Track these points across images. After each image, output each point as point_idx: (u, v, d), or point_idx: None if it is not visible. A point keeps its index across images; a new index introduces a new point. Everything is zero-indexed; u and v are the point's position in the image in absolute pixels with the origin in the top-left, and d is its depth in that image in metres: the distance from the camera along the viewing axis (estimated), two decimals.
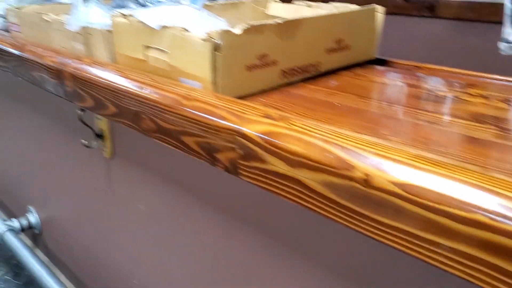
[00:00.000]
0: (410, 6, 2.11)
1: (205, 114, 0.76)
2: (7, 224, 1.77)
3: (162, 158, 1.08)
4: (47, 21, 1.32)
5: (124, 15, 1.02)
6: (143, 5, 1.30)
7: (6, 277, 1.90)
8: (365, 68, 1.07)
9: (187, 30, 0.87)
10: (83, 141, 1.18)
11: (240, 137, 0.70)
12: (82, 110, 1.15)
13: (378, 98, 0.90)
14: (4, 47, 1.39)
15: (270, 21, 0.88)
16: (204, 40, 0.83)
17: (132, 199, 1.22)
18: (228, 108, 0.75)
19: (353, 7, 1.10)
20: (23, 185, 1.89)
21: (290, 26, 0.91)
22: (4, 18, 1.68)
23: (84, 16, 1.15)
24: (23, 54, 1.29)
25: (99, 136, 1.21)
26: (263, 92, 0.92)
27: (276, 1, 1.31)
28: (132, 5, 1.31)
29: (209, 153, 0.77)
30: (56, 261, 1.81)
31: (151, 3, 1.30)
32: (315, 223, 0.78)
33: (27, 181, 1.85)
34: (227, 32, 0.83)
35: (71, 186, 1.52)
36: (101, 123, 1.21)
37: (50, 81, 1.17)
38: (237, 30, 0.84)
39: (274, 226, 0.86)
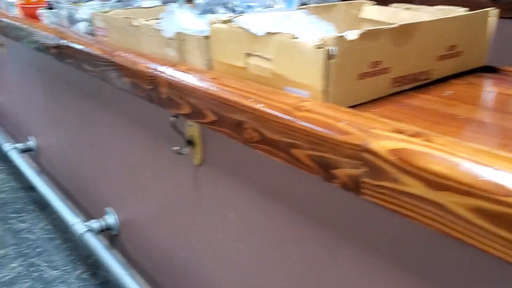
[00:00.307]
0: (498, 7, 1.98)
1: (322, 127, 0.72)
2: (86, 225, 1.81)
3: (255, 166, 1.05)
4: (136, 26, 1.32)
5: (224, 21, 1.00)
6: (233, 10, 1.27)
7: (83, 276, 1.94)
8: (476, 76, 0.99)
9: (295, 37, 0.82)
10: (174, 148, 1.16)
11: (366, 153, 0.65)
12: (175, 116, 1.13)
13: (502, 110, 0.82)
14: (93, 52, 1.41)
15: (386, 26, 0.82)
16: (316, 47, 0.78)
17: (221, 207, 1.19)
18: (349, 120, 0.70)
19: (462, 10, 1.02)
20: (103, 187, 1.93)
21: (405, 31, 0.85)
22: (89, 22, 1.71)
23: (178, 21, 1.13)
24: (113, 59, 1.30)
25: (189, 142, 1.19)
26: (373, 101, 0.87)
27: (370, 4, 1.25)
28: (221, 10, 1.29)
29: (324, 168, 0.73)
30: (133, 263, 1.83)
31: (241, 7, 1.27)
32: (439, 246, 0.72)
33: (107, 183, 1.88)
34: (341, 38, 0.78)
35: (154, 191, 1.53)
36: (192, 130, 1.19)
37: (143, 88, 1.17)
38: (352, 36, 0.79)
39: (384, 245, 0.80)
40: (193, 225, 1.34)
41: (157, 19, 1.25)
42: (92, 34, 1.62)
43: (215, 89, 0.94)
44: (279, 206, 1.01)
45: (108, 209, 1.89)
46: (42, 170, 2.71)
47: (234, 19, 0.96)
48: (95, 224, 1.85)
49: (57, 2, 1.88)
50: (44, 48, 1.77)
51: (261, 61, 0.91)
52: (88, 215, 2.15)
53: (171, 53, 1.16)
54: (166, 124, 1.33)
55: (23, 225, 2.32)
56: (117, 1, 1.84)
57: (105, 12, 1.56)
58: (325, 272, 0.94)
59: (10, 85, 2.83)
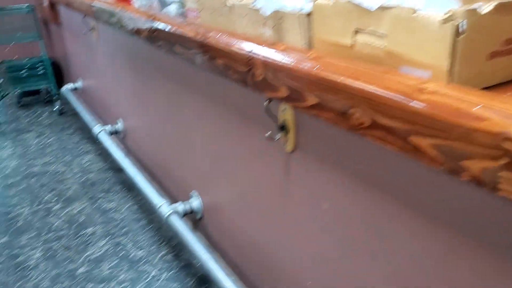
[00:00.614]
0: None
1: (451, 112, 0.63)
2: (171, 208, 1.82)
3: (356, 155, 0.97)
4: (230, 6, 1.28)
5: None
6: None
7: (167, 257, 1.97)
8: None
9: (416, 10, 0.73)
10: (267, 134, 1.11)
11: (508, 142, 0.56)
12: (269, 100, 1.08)
13: None
14: (185, 34, 1.39)
15: None
16: (443, 21, 0.69)
17: (314, 197, 1.13)
18: (486, 105, 0.61)
19: None
20: (188, 170, 1.93)
21: None
22: (180, 4, 1.70)
23: None
24: (206, 41, 1.27)
25: (282, 128, 1.14)
26: (505, 84, 0.76)
27: None
28: None
29: (452, 160, 0.64)
30: (216, 247, 1.82)
31: None
32: None
33: (192, 166, 1.88)
34: (472, 12, 0.68)
35: (241, 176, 1.49)
36: (286, 115, 1.13)
37: (236, 70, 1.12)
38: (487, 9, 0.68)
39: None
40: (281, 213, 1.29)
41: None
42: (183, 16, 1.60)
43: (318, 69, 0.86)
44: (382, 199, 0.93)
45: (193, 192, 1.89)
46: (129, 152, 2.79)
47: None
48: (180, 207, 1.86)
49: None
50: (135, 32, 1.79)
51: (372, 38, 0.83)
52: (172, 197, 2.18)
53: (267, 32, 1.11)
54: (257, 108, 1.28)
55: (111, 205, 2.40)
56: None
57: None
58: (436, 275, 0.85)
59: (100, 68, 2.93)
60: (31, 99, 4.25)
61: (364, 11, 0.82)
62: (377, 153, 0.90)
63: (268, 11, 1.05)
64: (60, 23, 3.84)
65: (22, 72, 4.04)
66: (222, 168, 1.61)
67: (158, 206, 1.85)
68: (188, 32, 1.37)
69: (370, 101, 0.75)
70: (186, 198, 1.98)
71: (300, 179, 1.17)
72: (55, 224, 2.26)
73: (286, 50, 0.99)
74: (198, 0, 1.45)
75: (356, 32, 0.86)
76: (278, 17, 1.06)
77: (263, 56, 1.02)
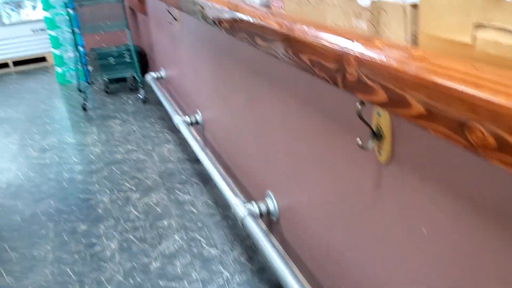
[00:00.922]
0: None
1: None
2: (247, 208, 1.73)
3: (467, 174, 0.81)
4: None
5: None
6: None
7: (240, 259, 1.89)
8: None
9: None
10: (358, 140, 0.97)
11: None
12: (362, 103, 0.94)
13: None
14: (268, 25, 1.28)
15: None
16: None
17: (410, 216, 0.97)
18: None
19: None
20: (265, 168, 1.83)
21: None
22: None
23: None
24: (290, 33, 1.14)
25: (376, 135, 0.99)
26: None
27: None
28: None
29: None
30: (291, 252, 1.71)
31: None
32: None
33: (269, 165, 1.78)
34: None
35: (323, 182, 1.36)
36: (382, 121, 0.98)
37: (325, 67, 0.99)
38: None
39: None
40: (369, 229, 1.15)
41: None
42: (268, 7, 1.49)
43: (428, 72, 0.71)
44: (488, 223, 0.76)
45: (268, 192, 1.79)
46: (206, 143, 2.75)
47: None
48: (255, 208, 1.76)
49: None
50: (217, 22, 1.70)
51: (501, 35, 0.66)
52: (248, 195, 2.09)
53: (362, 26, 0.96)
54: (347, 110, 1.14)
55: (187, 197, 2.36)
56: None
57: None
58: None
59: (182, 59, 2.91)
60: (117, 86, 4.38)
61: (491, 2, 0.65)
62: (501, 178, 0.73)
63: (365, 1, 0.91)
64: (146, 13, 3.89)
65: (109, 60, 4.16)
66: (302, 170, 1.49)
67: (234, 205, 1.77)
68: (272, 23, 1.25)
69: (499, 116, 0.59)
70: (261, 197, 1.88)
71: (395, 195, 1.02)
72: (133, 213, 2.26)
73: (385, 46, 0.84)
74: None
75: (478, 27, 0.69)
76: (376, 8, 0.91)
77: (358, 53, 0.88)
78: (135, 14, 4.51)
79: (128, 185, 2.55)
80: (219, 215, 2.19)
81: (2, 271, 1.94)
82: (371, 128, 0.99)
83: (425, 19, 0.80)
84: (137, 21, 4.56)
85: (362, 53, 0.87)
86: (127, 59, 4.18)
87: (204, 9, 1.83)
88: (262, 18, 1.33)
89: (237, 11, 1.50)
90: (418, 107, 0.74)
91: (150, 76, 3.72)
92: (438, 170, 0.88)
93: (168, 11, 2.76)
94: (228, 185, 1.95)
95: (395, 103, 0.79)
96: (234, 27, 1.54)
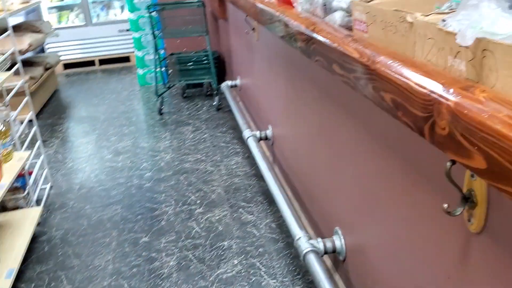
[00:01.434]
0: None
1: None
2: (311, 244, 1.60)
3: None
4: (410, 22, 0.99)
5: None
6: None
7: None
8: None
9: None
10: (445, 205, 0.81)
11: None
12: (453, 162, 0.77)
13: None
14: (347, 52, 1.14)
15: None
16: None
17: None
18: None
19: None
20: (334, 201, 1.69)
21: None
22: (347, 12, 1.44)
23: (479, 19, 0.76)
24: (372, 66, 1.00)
25: (467, 199, 0.82)
26: None
27: None
28: None
29: None
30: None
31: None
32: None
33: (339, 199, 1.63)
34: None
35: (400, 234, 1.20)
36: (476, 184, 0.81)
37: (410, 112, 0.84)
38: None
39: None
40: None
41: (444, 13, 0.89)
42: (350, 29, 1.35)
43: None
44: None
45: (337, 229, 1.64)
46: (275, 160, 2.64)
47: None
48: (319, 245, 1.62)
49: None
50: (293, 39, 1.58)
51: None
52: (315, 226, 1.95)
53: (461, 67, 0.80)
54: (433, 164, 0.97)
55: (250, 217, 2.27)
56: None
57: (368, 1, 1.27)
58: None
59: (258, 70, 2.82)
60: (194, 91, 4.39)
61: None
62: None
63: (468, 39, 0.74)
64: (227, 18, 3.86)
65: (188, 65, 4.18)
66: (376, 213, 1.33)
67: (297, 238, 1.65)
68: (351, 50, 1.11)
69: None
70: (329, 232, 1.74)
71: (484, 272, 0.84)
72: (195, 230, 2.20)
73: (490, 100, 0.68)
74: (369, 11, 1.18)
75: None
76: (480, 47, 0.74)
77: (453, 103, 0.72)
78: (216, 18, 4.50)
79: (193, 197, 2.50)
80: (282, 242, 2.07)
81: (64, 278, 1.96)
82: (461, 191, 0.82)
83: None
84: (218, 26, 4.55)
85: (459, 105, 0.71)
86: (206, 65, 4.17)
87: (280, 23, 1.72)
88: (341, 43, 1.19)
89: (314, 32, 1.37)
90: None
91: (225, 84, 3.68)
92: None
93: (246, 20, 2.68)
94: (293, 213, 1.82)
95: (496, 174, 0.63)
96: (310, 48, 1.41)
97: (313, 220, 1.96)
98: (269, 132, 2.62)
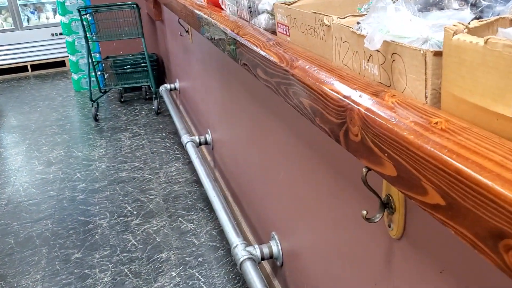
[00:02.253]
0: None
1: None
2: (248, 251, 1.56)
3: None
4: (327, 25, 0.96)
5: (470, 30, 0.58)
6: (473, 5, 0.82)
7: None
8: None
9: None
10: (363, 212, 0.79)
11: None
12: (368, 169, 0.75)
13: None
14: (268, 56, 1.10)
15: None
16: None
17: None
18: None
19: None
20: (269, 206, 1.66)
21: None
22: (272, 15, 1.41)
23: (387, 22, 0.74)
24: (290, 71, 0.97)
25: (386, 205, 0.80)
26: None
27: None
28: (454, 4, 0.85)
29: None
30: None
31: (488, 1, 0.81)
32: None
33: (274, 203, 1.60)
34: None
35: (330, 237, 1.18)
36: (392, 190, 0.80)
37: (326, 118, 0.81)
38: None
39: None
40: None
41: (360, 16, 0.88)
42: (274, 32, 1.32)
43: (450, 154, 0.53)
44: None
45: (273, 234, 1.62)
46: (216, 165, 2.59)
47: (501, 32, 0.54)
48: (257, 251, 1.59)
49: None
50: (221, 43, 1.54)
51: None
52: (253, 231, 1.91)
53: (373, 71, 0.78)
54: (353, 170, 0.96)
55: (190, 226, 2.21)
56: None
57: (289, 4, 1.24)
58: None
59: (194, 73, 2.76)
60: (132, 95, 4.26)
61: None
62: None
63: (375, 42, 0.72)
64: (162, 20, 3.76)
65: (125, 68, 4.05)
66: (308, 217, 1.31)
67: (234, 246, 1.60)
68: (271, 54, 1.08)
69: None
70: (267, 237, 1.71)
71: (410, 277, 0.83)
72: (131, 242, 2.12)
73: (399, 105, 0.66)
74: (289, 14, 1.15)
75: None
76: (390, 51, 0.73)
77: (364, 108, 0.70)
78: (153, 20, 4.39)
79: (130, 208, 2.40)
80: (223, 250, 2.02)
81: None
82: (379, 197, 0.80)
83: (450, 74, 0.61)
84: (155, 27, 4.44)
85: (369, 110, 0.69)
86: (143, 68, 4.06)
87: (209, 27, 1.67)
88: (262, 47, 1.15)
89: (238, 35, 1.33)
90: (435, 196, 0.55)
91: (163, 88, 3.59)
92: (456, 254, 0.69)
93: (179, 23, 2.61)
94: (230, 220, 1.77)
95: (406, 182, 0.61)
96: (237, 52, 1.37)
97: (252, 225, 1.92)
98: (208, 137, 2.56)
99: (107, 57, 4.13)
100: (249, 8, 1.47)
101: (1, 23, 5.41)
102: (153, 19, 4.35)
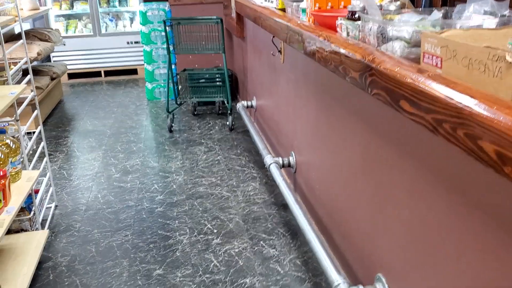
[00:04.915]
0: None
1: None
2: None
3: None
4: (509, 62, 0.86)
5: None
6: None
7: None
8: None
9: None
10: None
11: None
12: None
13: None
14: (427, 90, 1.00)
15: None
16: None
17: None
18: None
19: None
20: (376, 246, 1.54)
21: None
22: (407, 42, 1.32)
23: None
24: (466, 109, 0.87)
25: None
26: None
27: None
28: None
29: None
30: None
31: None
32: None
33: (381, 242, 1.49)
34: None
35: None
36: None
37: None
38: None
39: None
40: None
41: None
42: (413, 60, 1.22)
43: None
44: None
45: (379, 276, 1.50)
46: (297, 189, 2.50)
47: None
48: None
49: (364, 12, 1.54)
50: (340, 69, 1.45)
51: None
52: (348, 269, 1.80)
53: None
54: None
55: (273, 252, 2.12)
56: (440, 17, 1.40)
57: (440, 33, 1.14)
58: None
59: (281, 93, 2.69)
60: (205, 108, 4.26)
61: None
62: None
63: None
64: (244, 37, 3.74)
65: (200, 82, 4.05)
66: (429, 263, 1.19)
67: (335, 284, 1.50)
68: (431, 89, 0.98)
69: None
70: (368, 278, 1.59)
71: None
72: (213, 263, 2.05)
73: None
74: (446, 45, 1.05)
75: None
76: None
77: None
78: (231, 36, 4.40)
79: (210, 226, 2.35)
80: (309, 282, 1.92)
81: None
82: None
83: None
84: (232, 43, 4.44)
85: None
86: (218, 83, 4.05)
87: (324, 51, 1.59)
88: (415, 79, 1.06)
89: (373, 63, 1.24)
90: None
91: (241, 105, 3.55)
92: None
93: (273, 42, 2.56)
94: (328, 253, 1.67)
95: None
96: (366, 80, 1.28)
97: (346, 262, 1.81)
98: (292, 159, 2.48)
99: (185, 70, 4.16)
100: (381, 34, 1.38)
101: (82, 28, 5.58)
102: (230, 34, 4.35)
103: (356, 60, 1.33)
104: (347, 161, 1.75)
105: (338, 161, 1.84)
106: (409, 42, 1.28)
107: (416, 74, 1.06)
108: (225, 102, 3.86)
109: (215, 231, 2.30)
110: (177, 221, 2.40)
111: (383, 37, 1.36)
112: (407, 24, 1.32)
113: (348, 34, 1.60)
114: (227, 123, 3.77)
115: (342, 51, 1.44)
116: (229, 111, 3.73)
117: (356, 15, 1.60)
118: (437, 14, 1.43)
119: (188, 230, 2.31)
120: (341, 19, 1.64)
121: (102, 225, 2.40)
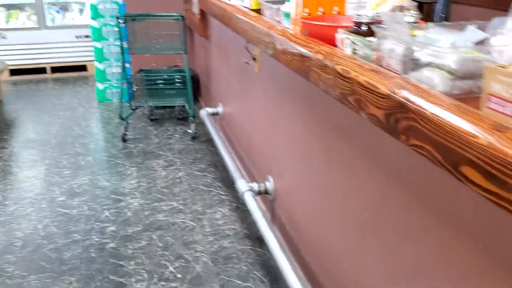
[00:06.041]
0: None
1: None
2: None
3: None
4: None
5: None
6: None
7: None
8: None
9: None
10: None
11: None
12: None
13: None
14: (494, 151, 0.68)
15: None
16: None
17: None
18: None
19: None
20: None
21: None
22: (451, 74, 0.99)
23: None
24: None
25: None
26: None
27: None
28: None
29: None
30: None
31: None
32: None
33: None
34: None
35: None
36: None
37: None
38: None
39: None
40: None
41: None
42: (457, 98, 0.89)
43: None
44: None
45: None
46: (275, 221, 2.16)
47: None
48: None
49: (380, 24, 1.20)
50: (354, 101, 1.11)
51: None
52: None
53: None
54: None
55: None
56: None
57: (504, 67, 0.82)
58: None
59: (255, 105, 2.33)
60: (163, 113, 3.85)
61: None
62: None
63: None
64: (208, 36, 3.35)
65: (158, 84, 3.63)
66: None
67: None
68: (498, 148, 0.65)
69: None
70: None
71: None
72: None
73: None
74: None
75: None
76: None
77: None
78: (192, 32, 3.98)
79: (172, 268, 1.97)
80: None
81: None
82: None
83: None
84: (193, 41, 4.03)
85: None
86: (179, 85, 3.63)
87: (329, 73, 1.24)
88: (493, 142, 0.72)
89: (408, 102, 0.91)
90: None
91: (205, 112, 3.17)
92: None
93: (246, 49, 2.19)
94: None
95: None
96: (396, 123, 0.95)
97: None
98: (269, 185, 2.13)
99: (141, 70, 3.71)
100: (406, 57, 1.04)
101: (24, 21, 5.00)
102: (191, 31, 3.94)
103: (382, 94, 0.98)
104: (340, 187, 1.42)
105: (327, 188, 1.51)
106: (453, 74, 0.95)
107: (490, 132, 0.73)
108: (187, 107, 3.46)
109: (179, 276, 1.92)
110: (132, 262, 2.01)
111: (414, 64, 1.03)
112: (446, 47, 0.99)
113: (354, 52, 1.26)
114: (189, 130, 3.38)
115: (361, 78, 1.09)
116: (191, 118, 3.34)
117: (364, 27, 1.27)
118: (474, 32, 1.11)
119: (146, 276, 1.92)
120: (344, 32, 1.30)
121: (41, 268, 1.97)
